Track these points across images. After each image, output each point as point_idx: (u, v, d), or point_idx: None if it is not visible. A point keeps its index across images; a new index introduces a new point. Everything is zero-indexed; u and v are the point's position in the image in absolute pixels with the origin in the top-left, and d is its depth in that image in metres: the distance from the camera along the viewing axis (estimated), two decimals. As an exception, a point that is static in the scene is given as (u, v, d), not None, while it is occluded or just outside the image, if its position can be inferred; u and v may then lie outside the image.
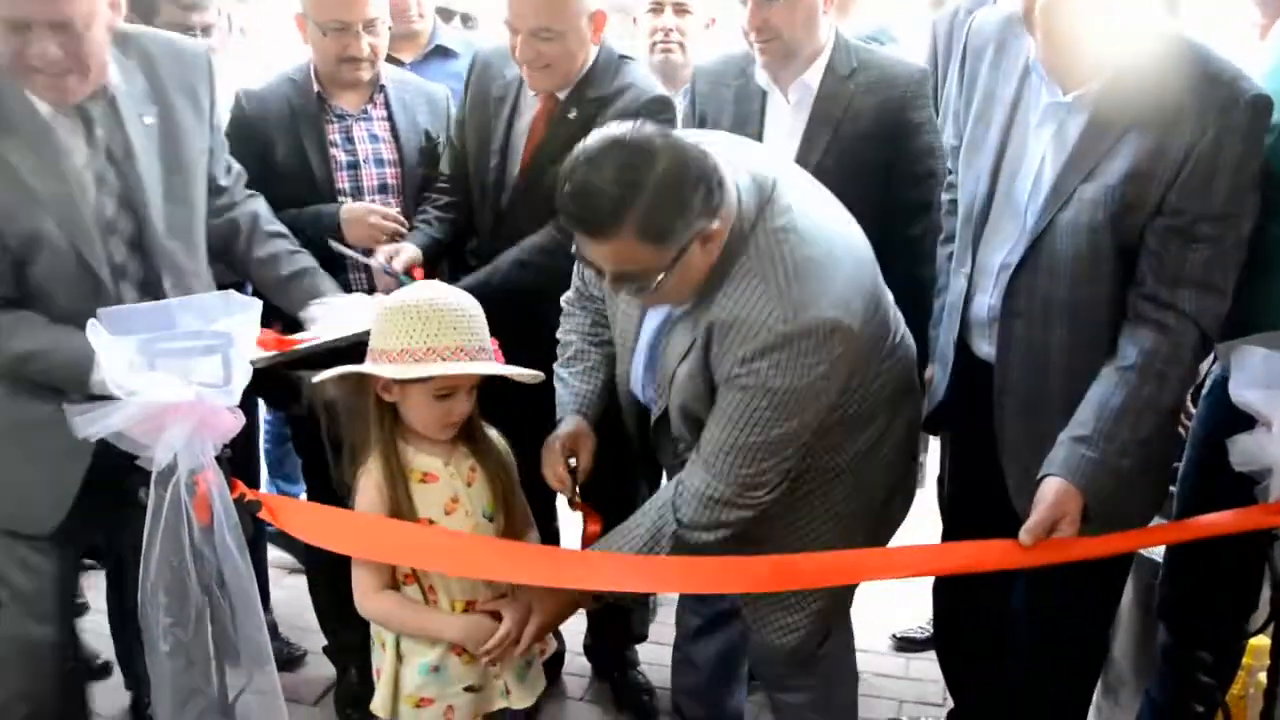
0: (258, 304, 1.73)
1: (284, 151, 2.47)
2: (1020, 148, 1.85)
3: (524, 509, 1.95)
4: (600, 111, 2.31)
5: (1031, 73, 1.83)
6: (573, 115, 2.34)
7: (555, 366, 2.04)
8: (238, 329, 1.70)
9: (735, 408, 1.68)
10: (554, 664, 2.72)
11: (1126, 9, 1.67)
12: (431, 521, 1.82)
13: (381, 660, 1.91)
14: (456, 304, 1.76)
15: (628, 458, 2.09)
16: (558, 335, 2.08)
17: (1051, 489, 1.70)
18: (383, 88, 2.58)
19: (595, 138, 1.60)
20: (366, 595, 1.85)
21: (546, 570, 1.83)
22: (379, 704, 1.91)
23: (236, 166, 2.26)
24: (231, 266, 2.24)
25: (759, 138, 2.38)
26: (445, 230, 2.50)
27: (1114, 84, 1.71)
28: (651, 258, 1.58)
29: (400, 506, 1.80)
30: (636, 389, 1.93)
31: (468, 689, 1.88)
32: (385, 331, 1.75)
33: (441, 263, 2.56)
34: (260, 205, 2.26)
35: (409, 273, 2.30)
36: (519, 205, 2.41)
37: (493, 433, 1.93)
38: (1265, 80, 1.84)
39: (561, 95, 2.37)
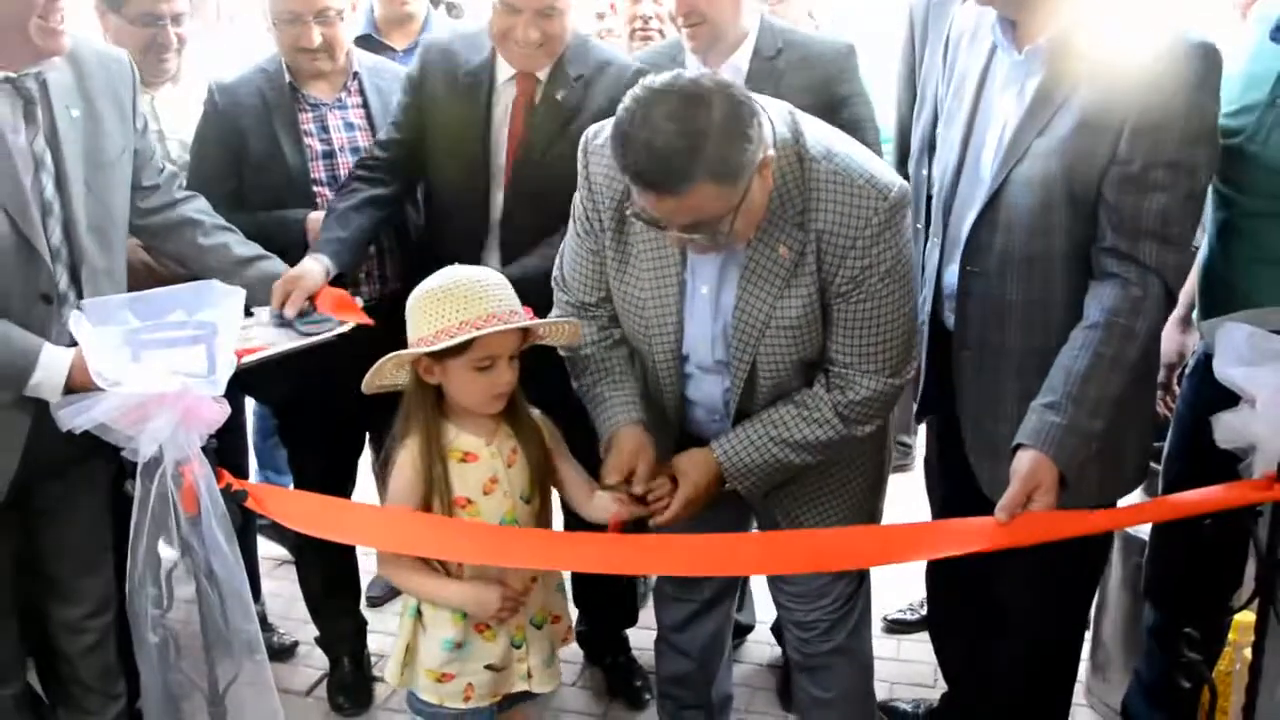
0: (241, 293, 1.72)
1: (258, 142, 2.44)
2: (986, 114, 1.87)
3: (579, 475, 1.97)
4: (587, 90, 2.31)
5: (997, 46, 1.85)
6: (561, 96, 2.33)
7: (577, 386, 1.99)
8: (222, 319, 1.70)
9: (876, 300, 1.75)
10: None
11: None
12: (470, 500, 1.84)
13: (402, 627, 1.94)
14: (478, 277, 1.79)
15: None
16: (563, 353, 2.01)
17: (1025, 461, 1.70)
18: (356, 75, 2.55)
19: (638, 99, 1.59)
20: (385, 559, 1.90)
21: (535, 553, 1.84)
22: (390, 671, 1.94)
23: (170, 168, 2.25)
24: (183, 262, 2.20)
25: None
26: (370, 223, 2.37)
27: (1064, 39, 1.74)
28: (726, 199, 1.60)
29: (435, 483, 1.82)
30: (701, 355, 1.89)
31: (488, 667, 1.90)
32: (417, 322, 1.78)
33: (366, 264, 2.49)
34: (202, 203, 2.23)
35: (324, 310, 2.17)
36: (518, 196, 2.35)
37: (536, 413, 1.94)
38: (1247, 61, 1.85)
39: (541, 76, 2.35)
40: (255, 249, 2.21)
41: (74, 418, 1.63)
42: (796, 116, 1.76)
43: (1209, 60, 1.68)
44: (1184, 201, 1.72)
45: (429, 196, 2.52)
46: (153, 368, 1.65)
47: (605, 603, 2.75)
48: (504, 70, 2.36)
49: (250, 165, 2.45)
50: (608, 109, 2.30)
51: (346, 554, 2.74)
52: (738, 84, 1.66)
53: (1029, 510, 1.68)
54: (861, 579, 2.13)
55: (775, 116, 1.71)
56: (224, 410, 1.72)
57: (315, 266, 2.18)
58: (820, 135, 1.76)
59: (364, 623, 2.84)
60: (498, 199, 2.37)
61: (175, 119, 2.57)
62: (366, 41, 3.06)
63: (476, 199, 2.37)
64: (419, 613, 1.91)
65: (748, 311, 1.79)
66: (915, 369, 1.91)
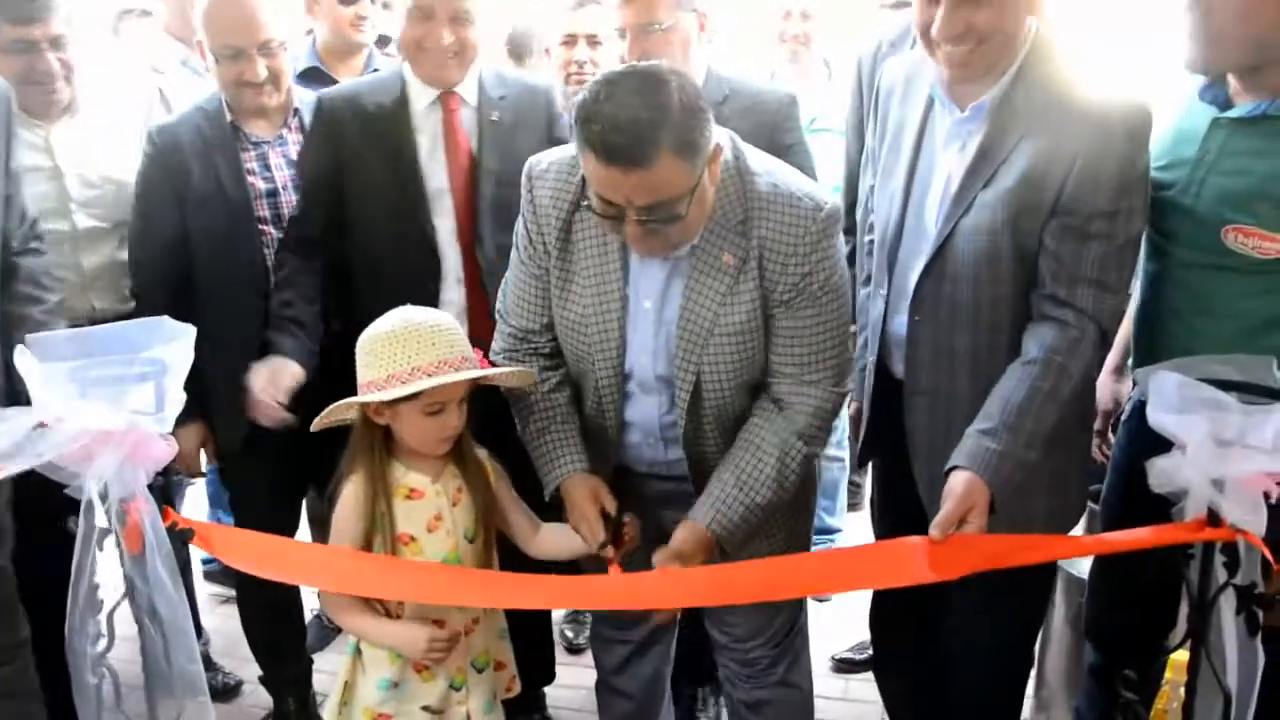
0: (191, 330, 1.72)
1: (201, 183, 2.40)
2: (928, 169, 1.93)
3: (524, 514, 2.00)
4: (516, 109, 2.37)
5: (935, 101, 1.90)
6: (496, 117, 2.35)
7: (521, 432, 1.99)
8: (171, 356, 1.69)
9: (818, 307, 1.82)
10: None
11: (1014, 14, 1.76)
12: (413, 537, 1.85)
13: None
14: (432, 321, 1.80)
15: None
16: (512, 399, 2.02)
17: (960, 482, 1.74)
18: (296, 111, 2.53)
19: (600, 81, 1.67)
20: (326, 593, 1.92)
21: (474, 592, 1.86)
22: (329, 709, 1.93)
23: (32, 214, 2.19)
24: None
25: None
26: (317, 315, 2.36)
27: (1007, 97, 1.81)
28: (686, 177, 1.66)
29: (378, 520, 1.82)
30: (643, 371, 1.90)
31: (425, 709, 1.89)
32: (369, 363, 1.79)
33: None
34: (38, 262, 2.16)
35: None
36: (481, 218, 2.32)
37: (482, 453, 1.96)
38: (1179, 117, 1.92)
39: (468, 98, 2.35)
40: (40, 323, 2.05)
41: (17, 454, 1.61)
42: (736, 140, 1.84)
43: (1141, 118, 1.79)
44: (1120, 250, 1.80)
45: (357, 241, 2.40)
46: (99, 405, 1.63)
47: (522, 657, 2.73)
48: (421, 98, 2.33)
49: (193, 206, 2.41)
50: (538, 126, 2.39)
51: (290, 594, 2.70)
52: None
53: (962, 531, 1.72)
54: (799, 611, 2.15)
55: (719, 135, 1.77)
56: (172, 448, 1.71)
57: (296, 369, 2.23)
58: (759, 156, 1.85)
59: (309, 662, 2.81)
60: (444, 228, 2.33)
61: (77, 153, 2.47)
62: (315, 74, 3.02)
63: (417, 233, 2.32)
64: (358, 651, 1.91)
65: (693, 318, 1.83)
66: (850, 386, 1.98)
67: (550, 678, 2.82)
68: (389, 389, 1.74)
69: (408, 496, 1.85)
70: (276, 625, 2.73)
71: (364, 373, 1.80)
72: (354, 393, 1.81)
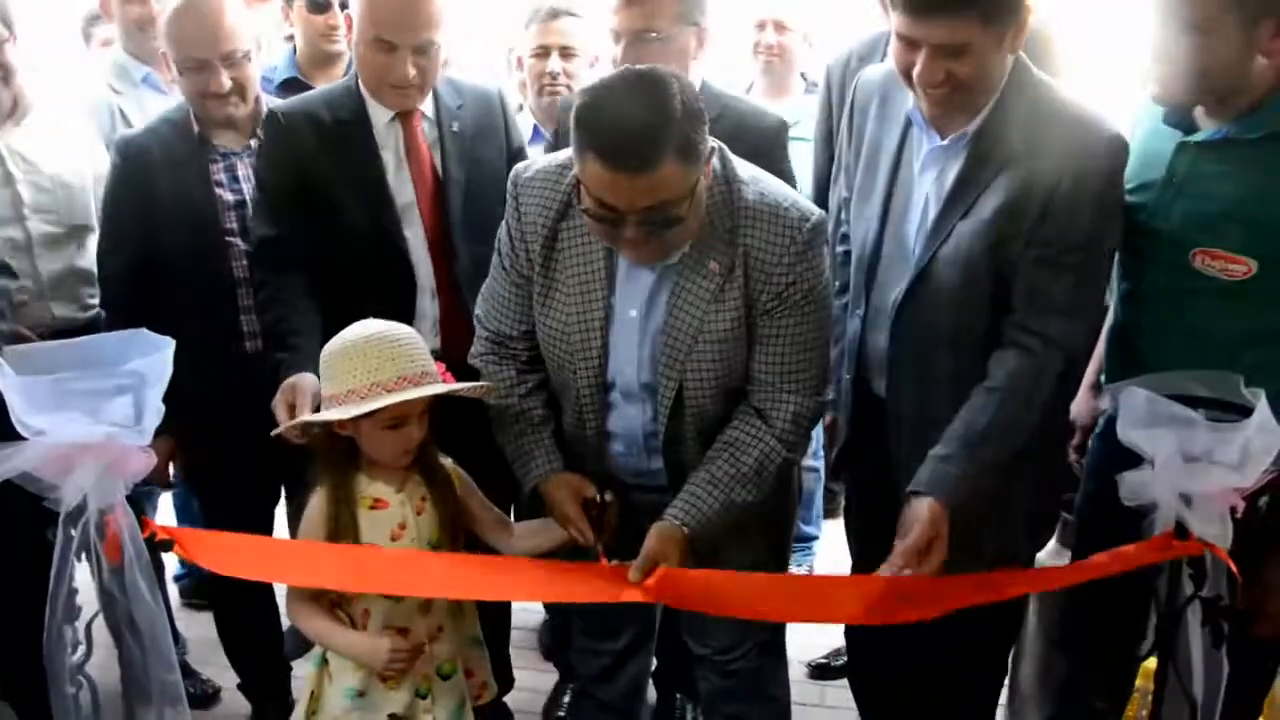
0: (170, 343, 1.72)
1: (168, 195, 2.36)
2: (906, 192, 1.94)
3: (494, 518, 2.02)
4: (474, 117, 2.35)
5: (913, 124, 1.92)
6: (456, 128, 2.32)
7: (499, 439, 2.00)
8: (150, 368, 1.70)
9: (801, 316, 1.83)
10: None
11: (995, 63, 1.77)
12: (378, 547, 1.86)
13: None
14: (393, 335, 1.80)
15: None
16: (489, 404, 2.00)
17: (924, 508, 1.76)
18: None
19: (600, 84, 1.69)
20: (292, 602, 1.90)
21: (456, 582, 1.88)
22: (295, 718, 1.94)
23: None
24: None
25: None
26: (313, 321, 2.20)
27: (986, 129, 1.82)
28: (685, 180, 1.67)
29: (342, 530, 1.84)
30: (626, 379, 1.90)
31: (392, 717, 1.89)
32: (331, 377, 1.80)
33: None
34: None
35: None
36: (453, 232, 2.29)
37: (447, 461, 1.97)
38: (1145, 140, 1.95)
39: (429, 112, 2.32)
40: None
41: (-5, 466, 1.62)
42: (724, 149, 1.84)
43: (1117, 151, 1.81)
44: (1093, 280, 1.83)
45: (327, 257, 2.29)
46: (78, 417, 1.64)
47: None
48: (381, 114, 2.28)
49: (161, 218, 2.37)
50: (496, 132, 2.38)
51: (266, 603, 2.70)
52: None
53: (925, 562, 1.74)
54: (779, 624, 2.17)
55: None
56: (150, 460, 1.72)
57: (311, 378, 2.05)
58: (745, 166, 1.86)
59: (288, 669, 2.81)
60: (415, 240, 2.29)
61: (26, 157, 2.43)
62: (294, 84, 2.98)
63: (390, 248, 2.27)
64: (325, 661, 1.92)
65: (678, 325, 1.84)
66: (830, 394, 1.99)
67: (509, 685, 2.79)
68: (349, 404, 1.75)
69: (372, 507, 1.87)
70: (253, 635, 2.73)
71: (326, 386, 1.81)
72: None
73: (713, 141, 1.80)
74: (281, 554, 2.02)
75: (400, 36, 2.15)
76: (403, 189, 2.28)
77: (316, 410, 1.88)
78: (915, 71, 1.76)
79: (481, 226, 2.22)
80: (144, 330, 1.75)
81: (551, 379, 1.99)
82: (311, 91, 2.51)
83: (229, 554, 1.92)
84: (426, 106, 2.31)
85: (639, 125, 1.60)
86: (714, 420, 1.92)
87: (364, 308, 1.90)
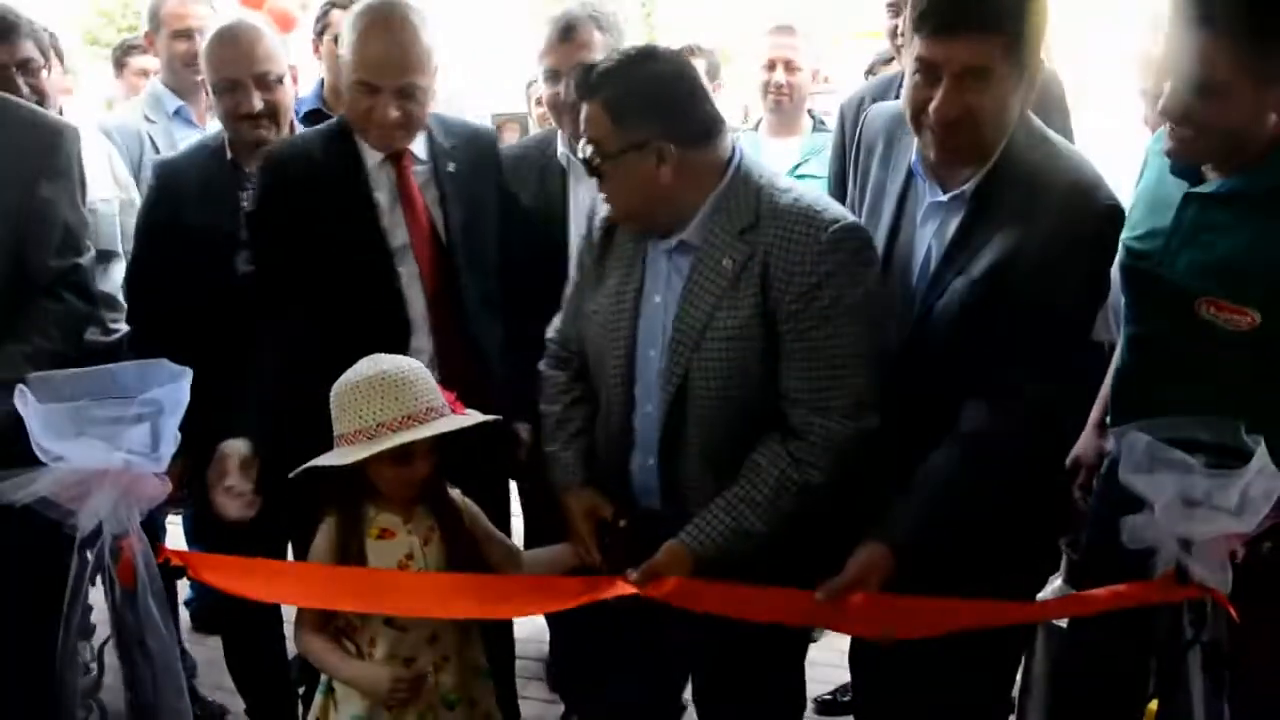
0: (188, 372, 1.76)
1: (196, 219, 2.39)
2: (909, 240, 1.95)
3: (504, 548, 2.05)
4: (468, 156, 2.37)
5: (916, 176, 1.94)
6: (452, 169, 2.34)
7: (545, 448, 2.07)
8: (168, 397, 1.74)
9: (830, 328, 1.79)
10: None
11: (1010, 104, 1.78)
12: None
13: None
14: (398, 373, 1.84)
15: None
16: (540, 409, 2.09)
17: (865, 550, 1.78)
18: None
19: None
20: (299, 630, 1.93)
21: (463, 602, 1.89)
22: None
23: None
24: None
25: (563, 210, 2.60)
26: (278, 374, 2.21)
27: (986, 187, 1.84)
28: (608, 133, 1.81)
29: (349, 560, 1.87)
30: (648, 369, 1.92)
31: None
32: (338, 417, 1.85)
33: None
34: (57, 308, 2.23)
35: None
36: (457, 271, 2.31)
37: (456, 492, 2.00)
38: (1153, 186, 1.97)
39: (421, 154, 2.32)
40: None
41: (14, 492, 1.65)
42: (761, 167, 1.93)
43: (1112, 222, 1.83)
44: (1071, 347, 1.85)
45: (322, 297, 2.25)
46: (95, 444, 1.68)
47: None
48: (373, 155, 2.27)
49: (190, 243, 2.39)
50: (490, 170, 2.43)
51: (274, 630, 2.71)
52: (713, 106, 1.90)
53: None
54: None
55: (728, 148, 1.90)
56: (166, 486, 1.76)
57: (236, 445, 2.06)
58: (788, 181, 1.93)
59: (295, 695, 2.82)
60: (409, 279, 2.28)
61: None
62: (317, 116, 3.00)
63: (385, 289, 2.26)
64: (331, 689, 1.94)
65: (686, 316, 1.86)
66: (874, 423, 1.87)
67: (515, 717, 2.76)
68: (356, 444, 1.80)
69: (379, 536, 1.90)
70: (261, 661, 2.74)
71: (336, 425, 1.85)
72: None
73: (747, 156, 1.90)
74: (294, 576, 2.06)
75: (383, 79, 2.15)
76: (396, 230, 2.28)
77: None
78: (934, 104, 1.75)
79: (482, 263, 2.29)
80: (163, 360, 1.79)
81: (591, 374, 2.03)
82: (306, 131, 2.51)
83: (240, 576, 1.94)
84: (419, 147, 2.32)
85: (602, 63, 1.86)
86: (720, 436, 1.88)
87: (358, 346, 1.92)
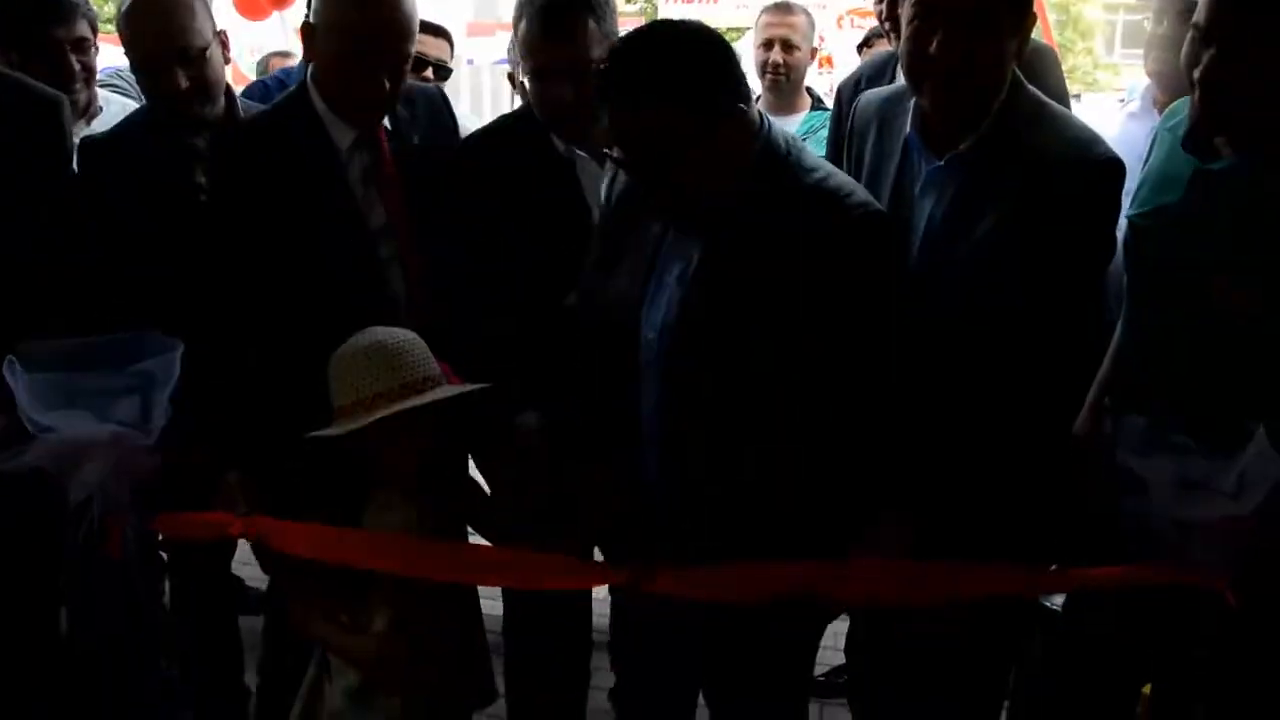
0: (179, 344, 1.75)
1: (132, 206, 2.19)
2: (908, 217, 1.93)
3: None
4: (427, 128, 2.25)
5: (911, 147, 1.92)
6: (417, 140, 2.21)
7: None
8: (159, 369, 1.73)
9: (851, 322, 1.71)
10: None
11: (1006, 54, 1.78)
12: None
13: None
14: (394, 343, 1.83)
15: None
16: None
17: (884, 520, 1.80)
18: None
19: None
20: (294, 608, 1.92)
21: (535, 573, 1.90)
22: (293, 715, 1.97)
23: None
24: None
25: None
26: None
27: (983, 148, 1.82)
28: (681, 117, 1.65)
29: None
30: (648, 340, 1.89)
31: (388, 717, 1.90)
32: (336, 390, 1.83)
33: None
34: None
35: None
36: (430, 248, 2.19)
37: (466, 475, 2.02)
38: (1161, 163, 1.94)
39: (388, 125, 2.17)
40: None
41: (2, 464, 1.64)
42: (793, 139, 1.81)
43: (1112, 176, 1.80)
44: (1078, 314, 1.84)
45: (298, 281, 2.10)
46: (85, 416, 1.67)
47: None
48: (343, 134, 2.12)
49: (125, 231, 2.19)
50: (447, 136, 2.29)
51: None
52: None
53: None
54: None
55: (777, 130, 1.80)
56: (156, 461, 1.75)
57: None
58: (816, 159, 1.82)
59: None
60: (391, 263, 2.18)
61: None
62: None
63: (365, 271, 2.14)
64: (325, 660, 1.94)
65: (698, 305, 1.80)
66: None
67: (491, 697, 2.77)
68: (354, 414, 1.78)
69: (378, 510, 1.90)
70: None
71: (334, 397, 1.83)
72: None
73: (787, 132, 1.82)
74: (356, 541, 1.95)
75: (376, 47, 2.01)
76: (374, 211, 2.16)
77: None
78: (934, 47, 1.73)
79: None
80: (154, 332, 1.78)
81: (597, 359, 1.99)
82: (264, 109, 2.36)
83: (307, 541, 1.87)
84: (386, 121, 2.18)
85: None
86: (727, 425, 1.82)
87: (341, 331, 1.87)
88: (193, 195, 2.21)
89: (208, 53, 2.19)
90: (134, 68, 2.24)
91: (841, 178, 1.82)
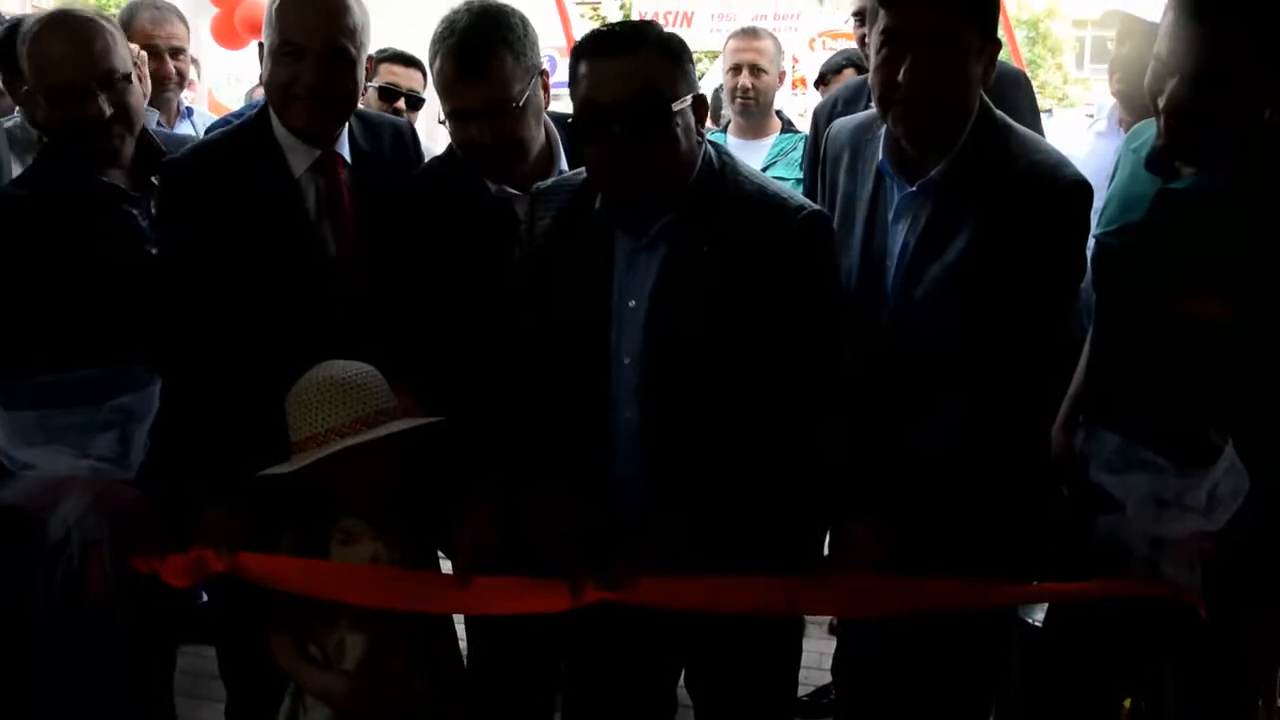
0: (157, 379, 1.75)
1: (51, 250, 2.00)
2: (883, 242, 1.96)
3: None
4: (391, 160, 2.20)
5: (885, 175, 1.95)
6: (375, 173, 2.14)
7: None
8: (136, 404, 1.73)
9: (811, 322, 1.79)
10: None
11: (973, 78, 1.80)
12: None
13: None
14: (346, 378, 1.82)
15: None
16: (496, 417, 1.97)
17: (852, 530, 1.82)
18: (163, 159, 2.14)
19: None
20: (272, 635, 1.89)
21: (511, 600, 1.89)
22: None
23: None
24: None
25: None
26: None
27: (954, 172, 1.85)
28: (669, 76, 1.74)
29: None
30: (624, 370, 1.86)
31: None
32: (292, 425, 1.81)
33: None
34: None
35: None
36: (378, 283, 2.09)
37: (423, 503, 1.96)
38: (1126, 183, 1.98)
39: (345, 154, 2.11)
40: None
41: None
42: (723, 149, 1.89)
43: (1080, 197, 1.82)
44: (1051, 333, 1.86)
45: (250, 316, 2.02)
46: (64, 451, 1.67)
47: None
48: (300, 160, 2.06)
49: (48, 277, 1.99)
50: (410, 169, 2.22)
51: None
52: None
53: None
54: None
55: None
56: (136, 495, 1.74)
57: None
58: (750, 168, 1.90)
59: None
60: (346, 295, 2.08)
61: None
62: None
63: (317, 301, 2.03)
64: (300, 693, 1.91)
65: (664, 320, 1.80)
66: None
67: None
68: (308, 450, 1.77)
69: (344, 542, 1.88)
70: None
71: (291, 433, 1.82)
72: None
73: (717, 145, 1.88)
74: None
75: (309, 39, 1.94)
76: (326, 240, 2.08)
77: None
78: (902, 74, 1.76)
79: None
80: (132, 367, 1.77)
81: (554, 381, 1.93)
82: (214, 135, 2.28)
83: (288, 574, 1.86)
84: (343, 150, 2.11)
85: None
86: (705, 438, 1.83)
87: (300, 365, 1.84)
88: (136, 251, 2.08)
89: (130, 77, 2.09)
90: (48, 96, 2.03)
91: (775, 183, 1.90)
